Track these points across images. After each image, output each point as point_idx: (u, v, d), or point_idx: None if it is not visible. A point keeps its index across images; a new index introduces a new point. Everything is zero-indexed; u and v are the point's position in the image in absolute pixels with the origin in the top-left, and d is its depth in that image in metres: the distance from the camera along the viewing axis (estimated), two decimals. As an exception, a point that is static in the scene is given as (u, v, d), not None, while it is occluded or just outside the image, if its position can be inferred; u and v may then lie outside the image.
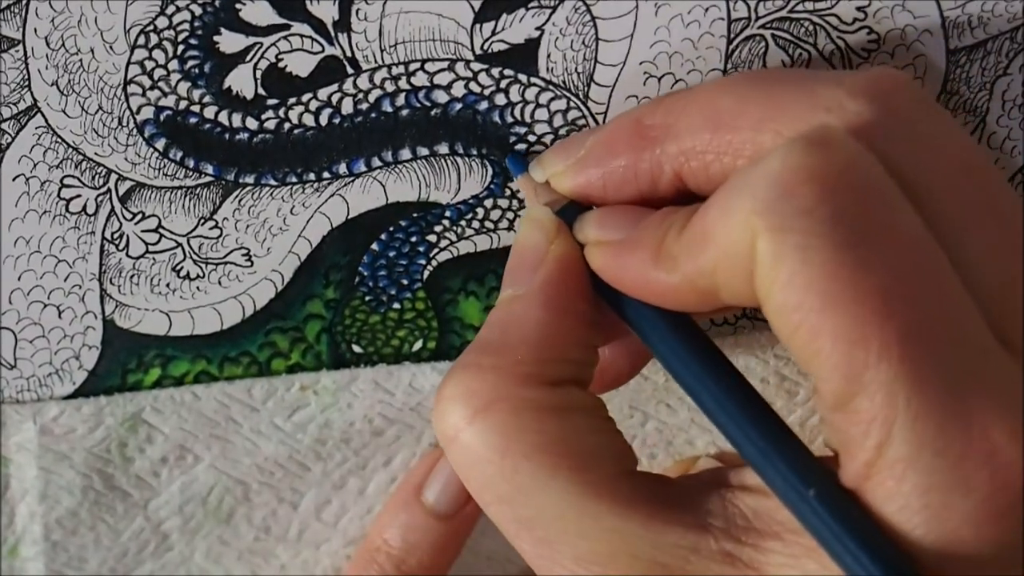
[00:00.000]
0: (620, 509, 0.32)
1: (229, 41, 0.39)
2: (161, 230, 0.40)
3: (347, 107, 0.39)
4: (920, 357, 0.28)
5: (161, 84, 0.39)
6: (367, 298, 0.41)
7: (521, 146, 0.40)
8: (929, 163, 0.32)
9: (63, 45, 0.38)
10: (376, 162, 0.40)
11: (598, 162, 0.36)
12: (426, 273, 0.41)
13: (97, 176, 0.40)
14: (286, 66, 0.39)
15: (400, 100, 0.39)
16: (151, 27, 0.38)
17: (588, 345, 0.36)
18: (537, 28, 0.39)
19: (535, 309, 0.35)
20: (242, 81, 0.39)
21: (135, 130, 0.39)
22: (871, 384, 0.28)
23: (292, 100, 0.39)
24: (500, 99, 0.39)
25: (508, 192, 0.40)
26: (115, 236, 0.40)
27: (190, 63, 0.39)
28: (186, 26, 0.38)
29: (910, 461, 0.29)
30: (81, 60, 0.39)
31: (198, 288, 0.41)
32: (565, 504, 0.33)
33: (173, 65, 0.39)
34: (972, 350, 0.29)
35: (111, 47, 0.38)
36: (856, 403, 0.29)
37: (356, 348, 0.42)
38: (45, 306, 0.41)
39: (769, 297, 0.29)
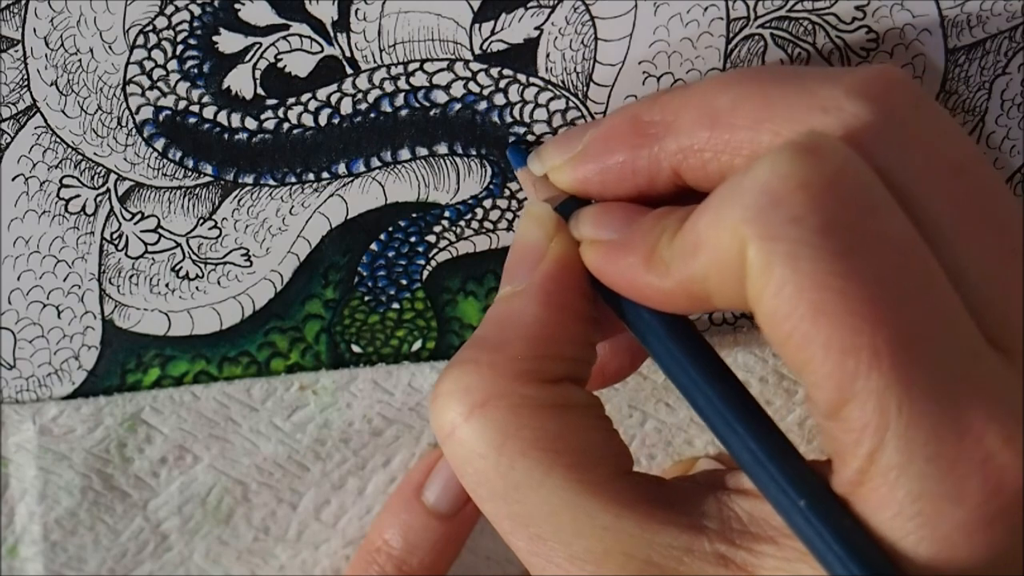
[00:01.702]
0: (615, 508, 0.32)
1: (228, 41, 0.39)
2: (160, 230, 0.40)
3: (346, 107, 0.39)
4: (911, 365, 0.28)
5: (160, 84, 0.39)
6: (366, 298, 0.41)
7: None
8: (923, 166, 0.32)
9: (62, 45, 0.38)
10: (375, 162, 0.40)
11: (596, 158, 0.36)
12: (425, 273, 0.41)
13: (96, 176, 0.40)
14: (285, 66, 0.39)
15: (399, 100, 0.39)
16: (150, 27, 0.38)
17: (586, 343, 0.36)
18: (536, 28, 0.39)
19: (533, 306, 0.35)
20: (241, 81, 0.39)
21: (134, 130, 0.39)
22: (862, 392, 0.28)
23: (291, 100, 0.39)
24: (499, 99, 0.39)
25: (507, 192, 0.40)
26: (114, 236, 0.40)
27: (189, 63, 0.39)
28: (185, 26, 0.38)
29: (902, 468, 0.29)
30: (80, 60, 0.39)
31: (197, 288, 0.41)
32: (560, 502, 0.32)
33: (172, 65, 0.39)
34: (964, 356, 0.29)
35: (110, 47, 0.38)
36: (848, 411, 0.29)
37: (355, 348, 0.42)
38: (44, 306, 0.41)
39: (760, 305, 0.29)
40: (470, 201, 0.40)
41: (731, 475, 0.34)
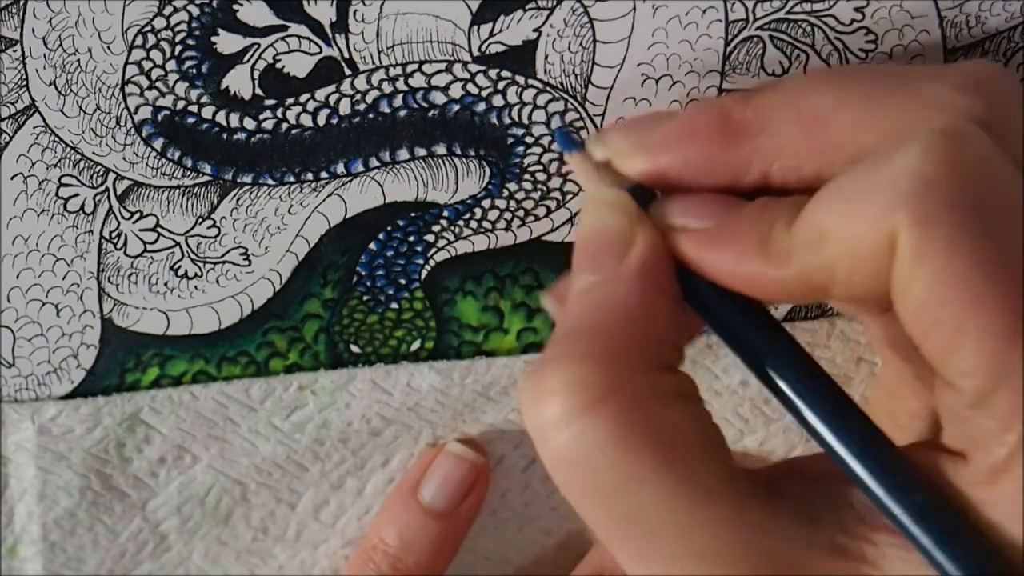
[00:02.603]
0: (734, 500, 0.31)
1: (227, 42, 0.39)
2: (159, 229, 0.40)
3: (345, 108, 0.39)
4: None
5: (159, 84, 0.39)
6: (365, 298, 0.41)
7: (520, 147, 0.40)
8: None
9: (61, 45, 0.38)
10: (374, 162, 0.40)
11: (677, 148, 0.35)
12: (424, 273, 0.41)
13: (95, 175, 0.40)
14: (284, 67, 0.39)
15: (398, 101, 0.39)
16: (148, 27, 0.38)
17: (681, 329, 0.34)
18: (535, 30, 0.39)
19: (635, 292, 0.33)
20: (240, 81, 0.39)
21: (133, 130, 0.39)
22: (1016, 378, 0.28)
23: (290, 101, 0.39)
24: (498, 100, 0.39)
25: (506, 193, 0.40)
26: (113, 235, 0.40)
27: (188, 63, 0.39)
28: (184, 27, 0.38)
29: None
30: (79, 60, 0.39)
31: (196, 287, 0.41)
32: (679, 496, 0.31)
33: (171, 65, 0.39)
34: None
35: (109, 47, 0.38)
36: (998, 398, 0.28)
37: (354, 348, 0.42)
38: (43, 304, 0.41)
39: (908, 292, 0.29)
40: (468, 201, 0.40)
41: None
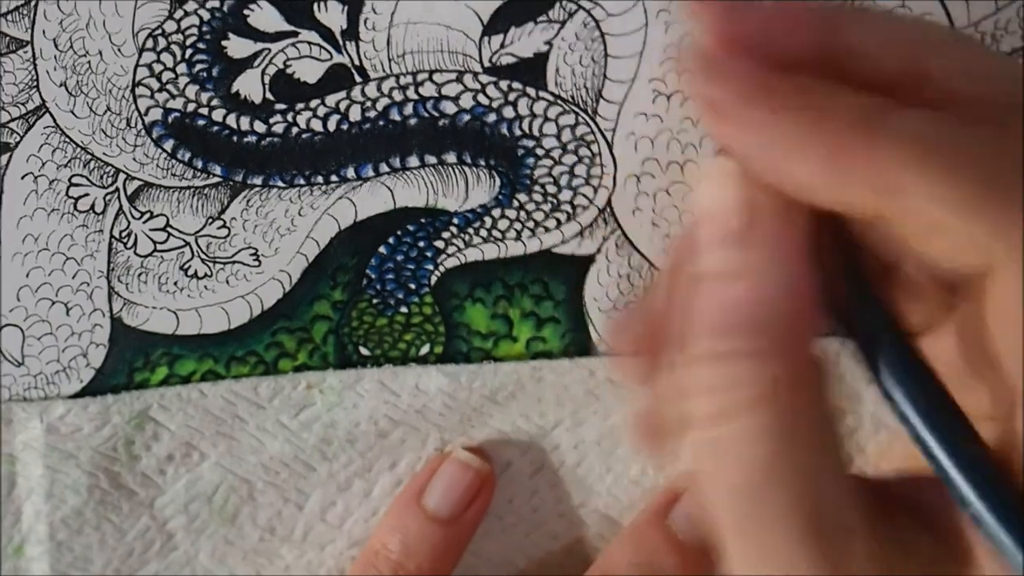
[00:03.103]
0: (864, 504, 0.30)
1: (237, 46, 0.38)
2: (169, 229, 0.40)
3: (355, 114, 0.39)
4: None
5: (169, 87, 0.39)
6: (374, 300, 0.41)
7: (531, 158, 0.40)
8: None
9: (71, 47, 0.38)
10: (384, 167, 0.40)
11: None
12: (433, 278, 0.41)
13: (105, 175, 0.40)
14: (294, 72, 0.39)
15: (408, 109, 0.39)
16: (159, 31, 0.38)
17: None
18: (546, 42, 0.38)
19: (785, 273, 0.30)
20: (250, 85, 0.39)
21: (143, 131, 0.39)
22: None
23: (300, 105, 0.39)
24: (508, 112, 0.39)
25: (516, 203, 0.40)
26: (123, 234, 0.40)
27: (198, 67, 0.39)
28: (194, 30, 0.38)
29: None
30: (89, 62, 0.38)
31: (206, 287, 0.41)
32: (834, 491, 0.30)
33: (181, 68, 0.39)
34: None
35: (119, 50, 0.38)
36: None
37: (363, 350, 0.42)
38: (53, 303, 0.41)
39: (1009, 311, 0.28)
40: (478, 209, 0.40)
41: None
